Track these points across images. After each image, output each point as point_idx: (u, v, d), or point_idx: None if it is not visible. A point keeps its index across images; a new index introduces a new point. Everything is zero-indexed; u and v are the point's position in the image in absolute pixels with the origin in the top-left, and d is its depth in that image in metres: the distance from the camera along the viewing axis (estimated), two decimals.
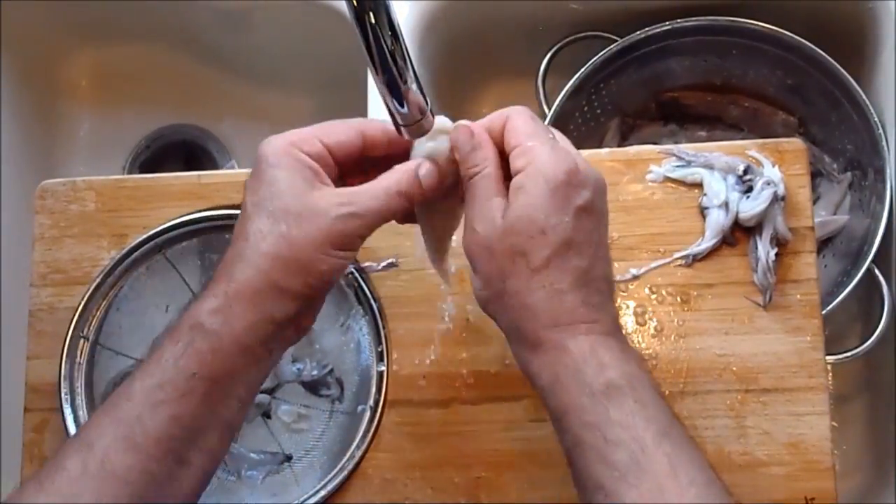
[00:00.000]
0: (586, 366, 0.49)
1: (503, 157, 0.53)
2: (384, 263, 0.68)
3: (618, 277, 0.66)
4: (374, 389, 0.66)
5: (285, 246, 0.50)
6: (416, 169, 0.53)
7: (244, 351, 0.50)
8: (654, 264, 0.66)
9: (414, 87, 0.50)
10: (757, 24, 0.89)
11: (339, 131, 0.53)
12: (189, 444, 0.50)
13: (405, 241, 0.68)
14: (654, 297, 0.66)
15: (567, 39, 0.95)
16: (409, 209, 0.54)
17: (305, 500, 0.64)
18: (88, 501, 0.47)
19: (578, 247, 0.50)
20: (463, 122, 0.54)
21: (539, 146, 0.51)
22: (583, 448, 0.48)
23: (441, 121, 0.54)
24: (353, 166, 0.54)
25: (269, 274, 0.50)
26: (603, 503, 0.47)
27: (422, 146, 0.54)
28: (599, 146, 1.00)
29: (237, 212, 0.68)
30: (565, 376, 0.49)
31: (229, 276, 0.51)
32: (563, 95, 0.92)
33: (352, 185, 0.53)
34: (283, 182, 0.51)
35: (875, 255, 0.84)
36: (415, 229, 0.58)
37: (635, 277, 0.66)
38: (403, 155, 0.54)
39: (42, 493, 0.48)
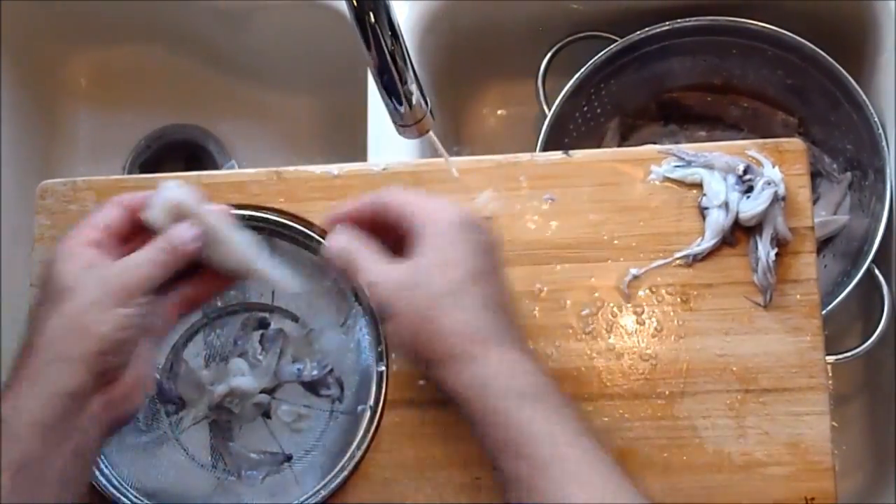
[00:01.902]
0: (505, 374, 0.54)
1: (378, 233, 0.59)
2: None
3: (621, 280, 0.66)
4: (374, 389, 0.66)
5: (64, 317, 0.53)
6: (169, 239, 0.58)
7: (42, 433, 0.51)
8: (654, 264, 0.66)
9: (414, 87, 0.50)
10: (757, 24, 0.89)
11: (101, 214, 0.58)
12: None
13: None
14: (653, 297, 0.66)
15: (567, 39, 0.95)
16: (174, 271, 0.58)
17: (305, 500, 0.64)
18: None
19: (481, 277, 0.56)
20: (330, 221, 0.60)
21: (424, 204, 0.57)
22: (507, 445, 0.53)
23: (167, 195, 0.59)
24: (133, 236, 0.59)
25: (52, 347, 0.52)
26: (520, 495, 0.52)
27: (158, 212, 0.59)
28: (599, 146, 1.00)
29: (237, 212, 0.69)
30: (493, 382, 0.54)
31: (18, 367, 0.53)
32: (563, 95, 0.92)
33: None
34: (65, 270, 0.55)
35: (875, 255, 0.84)
36: None
37: (635, 277, 0.66)
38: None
39: None
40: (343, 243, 0.59)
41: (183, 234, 0.58)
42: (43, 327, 0.53)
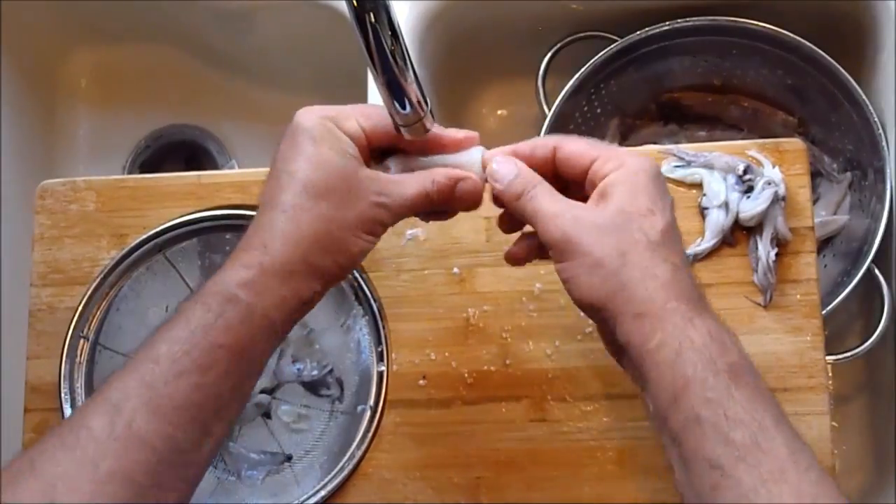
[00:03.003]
0: (712, 343, 0.49)
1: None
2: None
3: None
4: (374, 389, 0.66)
5: (325, 225, 0.50)
6: (449, 182, 0.54)
7: (271, 326, 0.51)
8: None
9: (414, 87, 0.50)
10: (757, 24, 0.89)
11: (376, 116, 0.53)
12: (212, 415, 0.49)
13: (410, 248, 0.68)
14: None
15: (567, 39, 0.95)
16: (431, 209, 0.55)
17: (305, 500, 0.64)
18: (113, 463, 0.46)
19: (677, 232, 0.52)
20: (495, 154, 0.55)
21: (621, 152, 0.53)
22: (700, 424, 0.47)
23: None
24: (384, 147, 0.54)
25: (307, 252, 0.50)
26: (718, 482, 0.46)
27: (456, 158, 0.55)
28: None
29: (237, 212, 0.69)
30: (690, 350, 0.48)
31: (263, 247, 0.50)
32: (563, 95, 0.92)
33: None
34: (324, 158, 0.51)
35: (875, 255, 0.84)
36: None
37: None
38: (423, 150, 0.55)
39: (65, 450, 0.47)
40: (521, 168, 0.54)
41: (471, 184, 0.54)
42: (299, 220, 0.50)
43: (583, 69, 0.92)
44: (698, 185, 0.67)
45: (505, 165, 0.54)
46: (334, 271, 0.52)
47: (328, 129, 0.52)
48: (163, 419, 0.48)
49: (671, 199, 0.53)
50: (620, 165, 0.52)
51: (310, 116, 0.52)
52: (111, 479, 0.46)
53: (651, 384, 0.50)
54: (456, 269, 0.67)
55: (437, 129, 0.54)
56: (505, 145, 0.56)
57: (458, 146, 0.55)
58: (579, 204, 0.52)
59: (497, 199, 0.55)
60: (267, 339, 0.51)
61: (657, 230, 0.51)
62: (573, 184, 0.54)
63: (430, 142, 0.54)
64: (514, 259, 0.57)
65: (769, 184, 0.65)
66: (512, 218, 0.56)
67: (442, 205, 0.54)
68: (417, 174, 0.54)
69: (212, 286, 0.51)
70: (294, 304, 0.51)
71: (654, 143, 0.96)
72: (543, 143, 0.55)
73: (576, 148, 0.54)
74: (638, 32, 0.91)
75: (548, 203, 0.52)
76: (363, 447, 0.65)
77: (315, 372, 0.69)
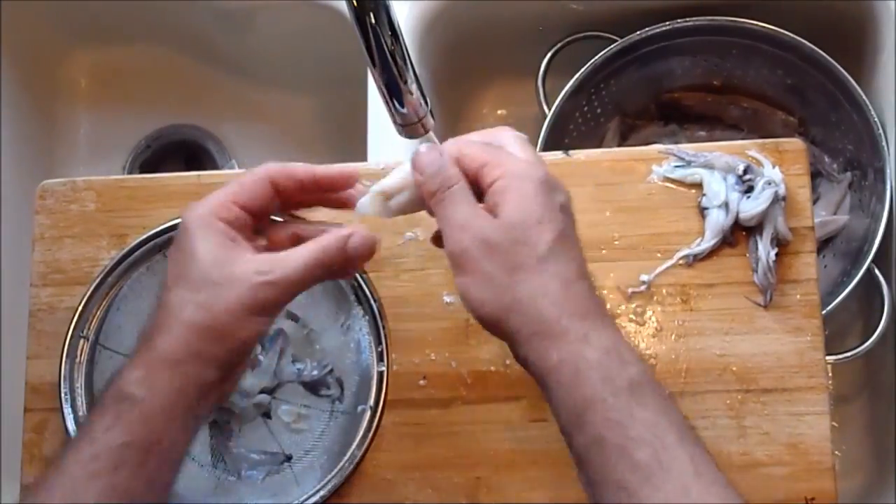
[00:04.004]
0: (609, 360, 0.48)
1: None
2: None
3: (631, 287, 0.66)
4: (374, 389, 0.66)
5: (204, 314, 0.51)
6: (338, 243, 0.53)
7: (172, 418, 0.51)
8: (660, 268, 0.66)
9: (414, 87, 0.50)
10: (757, 24, 0.89)
11: (247, 187, 0.54)
12: None
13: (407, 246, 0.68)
14: (653, 297, 0.66)
15: (567, 39, 0.95)
16: (332, 275, 0.54)
17: (305, 500, 0.64)
18: None
19: (570, 240, 0.51)
20: (420, 148, 0.54)
21: (510, 158, 0.52)
22: (604, 446, 0.47)
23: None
24: (271, 212, 0.55)
25: (190, 343, 0.51)
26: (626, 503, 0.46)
27: (376, 186, 0.55)
28: (599, 146, 1.00)
29: None
30: (588, 370, 0.48)
31: (151, 346, 0.52)
32: (563, 95, 0.92)
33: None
34: (201, 252, 0.52)
35: (875, 255, 0.84)
36: None
37: (644, 283, 0.66)
38: (327, 188, 0.56)
39: None
40: (442, 164, 0.52)
41: (360, 238, 0.53)
42: (180, 314, 0.51)
43: (583, 69, 0.92)
44: (698, 185, 0.67)
45: (428, 155, 0.53)
46: (227, 358, 0.52)
47: (204, 221, 0.52)
48: None
49: (564, 199, 0.52)
50: (504, 174, 0.51)
51: (191, 215, 0.53)
52: None
53: (553, 403, 0.49)
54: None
55: (321, 169, 0.55)
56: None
57: (346, 183, 0.55)
58: (481, 214, 0.51)
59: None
60: (174, 431, 0.52)
61: (546, 242, 0.49)
62: (486, 190, 0.52)
63: (318, 181, 0.55)
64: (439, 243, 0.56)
65: (769, 184, 0.65)
66: None
67: (340, 267, 0.54)
68: (303, 246, 0.53)
69: (107, 392, 0.52)
70: (192, 395, 0.52)
71: (654, 143, 0.96)
72: (452, 148, 0.53)
73: (468, 151, 0.52)
74: (638, 32, 0.91)
75: (454, 211, 0.51)
76: (363, 447, 0.65)
77: (315, 372, 0.69)
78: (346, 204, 0.57)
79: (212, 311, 0.51)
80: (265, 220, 0.55)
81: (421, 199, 0.54)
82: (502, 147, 0.53)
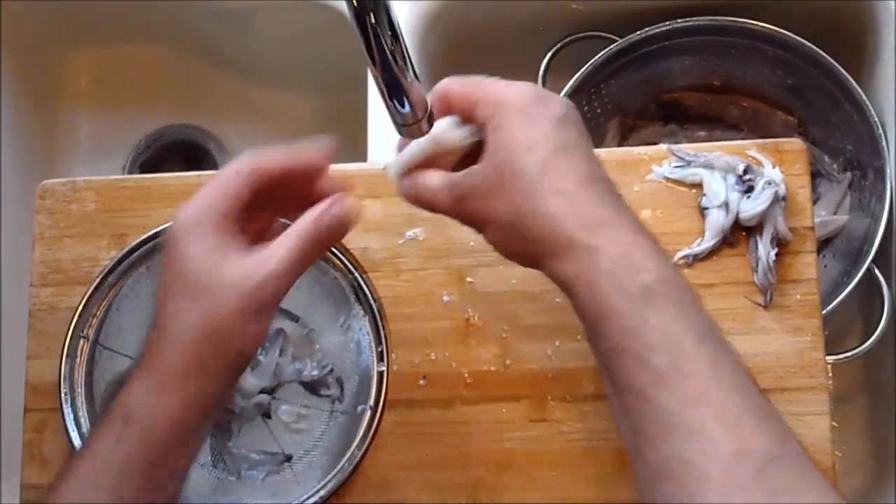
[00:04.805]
0: (621, 268, 0.48)
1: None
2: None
3: None
4: (374, 389, 0.66)
5: (204, 326, 0.50)
6: (317, 223, 0.52)
7: (178, 434, 0.51)
8: None
9: (414, 87, 0.50)
10: (757, 24, 0.89)
11: (225, 189, 0.53)
12: None
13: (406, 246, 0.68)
14: None
15: (567, 39, 0.95)
16: (323, 252, 0.54)
17: (305, 500, 0.64)
18: None
19: (570, 151, 0.50)
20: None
21: (493, 88, 0.52)
22: (621, 354, 0.47)
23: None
24: (261, 201, 0.54)
25: (194, 354, 0.50)
26: (642, 408, 0.46)
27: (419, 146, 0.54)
28: (599, 146, 1.00)
29: None
30: (600, 279, 0.48)
31: (158, 360, 0.51)
32: (563, 95, 0.92)
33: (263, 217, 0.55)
34: (192, 259, 0.51)
35: (875, 255, 0.84)
36: None
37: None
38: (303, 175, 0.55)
39: None
40: (410, 181, 0.54)
41: (337, 212, 0.52)
42: (181, 325, 0.51)
43: (583, 69, 0.92)
44: (698, 185, 0.67)
45: (409, 190, 0.54)
46: (229, 368, 0.52)
47: (188, 229, 0.52)
48: None
49: (558, 110, 0.51)
50: (495, 111, 0.51)
51: (177, 223, 0.52)
52: None
53: (578, 315, 0.50)
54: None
55: (276, 161, 0.54)
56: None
57: (320, 164, 0.55)
58: (466, 172, 0.51)
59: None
60: (179, 445, 0.51)
61: (536, 164, 0.49)
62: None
63: (293, 169, 0.54)
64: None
65: (769, 184, 0.65)
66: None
67: (326, 243, 0.53)
68: (283, 236, 0.52)
69: (114, 406, 0.52)
70: (199, 407, 0.51)
71: (654, 143, 0.96)
72: (435, 94, 0.53)
73: (459, 94, 0.53)
74: (638, 32, 0.91)
75: (432, 182, 0.53)
76: (363, 447, 0.64)
77: (315, 372, 0.69)
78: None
79: (210, 322, 0.50)
80: (252, 209, 0.54)
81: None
82: (480, 83, 0.53)
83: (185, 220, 0.52)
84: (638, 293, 0.47)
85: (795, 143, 0.68)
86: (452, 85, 0.53)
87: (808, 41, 0.88)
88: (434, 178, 0.53)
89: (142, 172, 1.08)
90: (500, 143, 0.50)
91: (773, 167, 0.66)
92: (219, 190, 0.53)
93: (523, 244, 0.51)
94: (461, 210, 0.53)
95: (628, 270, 0.48)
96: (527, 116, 0.50)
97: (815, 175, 0.94)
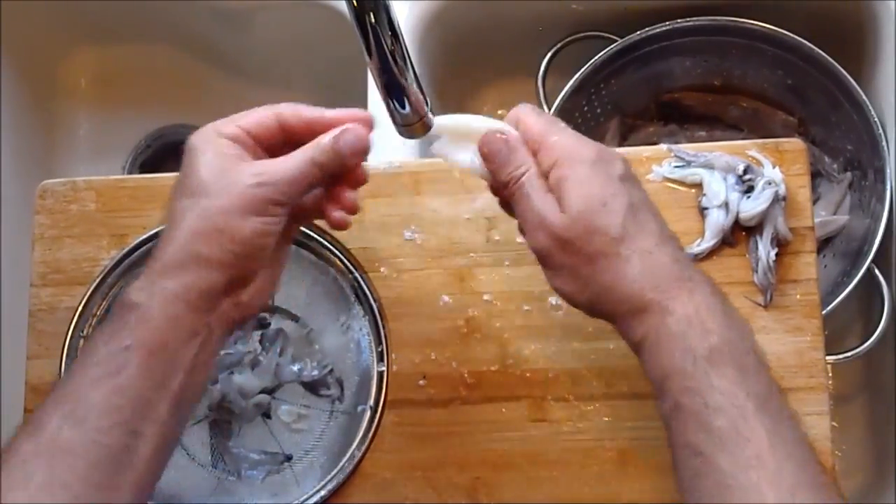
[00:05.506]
0: (690, 329, 0.49)
1: None
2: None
3: None
4: (374, 389, 0.66)
5: (203, 216, 0.52)
6: (331, 141, 0.54)
7: (174, 321, 0.51)
8: None
9: (414, 87, 0.50)
10: (757, 24, 0.89)
11: (254, 115, 0.56)
12: (137, 415, 0.50)
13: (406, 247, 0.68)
14: None
15: (567, 39, 0.95)
16: (326, 178, 0.54)
17: (305, 500, 0.64)
18: (42, 477, 0.47)
19: (641, 209, 0.52)
20: (489, 127, 0.55)
21: (559, 139, 0.53)
22: (682, 413, 0.48)
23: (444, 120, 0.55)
24: (278, 148, 0.55)
25: (190, 245, 0.52)
26: (699, 469, 0.47)
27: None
28: None
29: None
30: (668, 340, 0.49)
31: (155, 257, 0.52)
32: (563, 95, 0.92)
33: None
34: (203, 165, 0.53)
35: (875, 255, 0.84)
36: None
37: None
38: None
39: None
40: (511, 153, 0.54)
41: (353, 135, 0.54)
42: (181, 221, 0.52)
43: (583, 69, 0.92)
44: (698, 185, 0.67)
45: (495, 143, 0.55)
46: (229, 259, 0.52)
47: (208, 137, 0.54)
48: (82, 426, 0.48)
49: (621, 168, 0.52)
50: (559, 157, 0.52)
51: (195, 136, 0.54)
52: (43, 488, 0.47)
53: (645, 373, 0.51)
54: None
55: (331, 112, 0.55)
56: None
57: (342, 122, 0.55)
58: (550, 209, 0.52)
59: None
60: (179, 337, 0.52)
61: (615, 224, 0.51)
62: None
63: (328, 123, 0.55)
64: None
65: (769, 184, 0.65)
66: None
67: (337, 166, 0.54)
68: (299, 149, 0.54)
69: (115, 303, 0.53)
70: (194, 297, 0.52)
71: (654, 143, 0.97)
72: (512, 118, 0.56)
73: (526, 129, 0.54)
74: (638, 32, 0.91)
75: (527, 207, 0.53)
76: (363, 447, 0.65)
77: (315, 372, 0.69)
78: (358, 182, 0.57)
79: (210, 211, 0.52)
80: (270, 152, 0.55)
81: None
82: (549, 128, 0.54)
83: (206, 129, 0.54)
84: (704, 355, 0.48)
85: (795, 143, 0.68)
86: (529, 118, 0.55)
87: (808, 41, 0.88)
88: (543, 193, 0.53)
89: (142, 172, 1.08)
90: (575, 193, 0.51)
91: (773, 167, 0.66)
92: (247, 113, 0.56)
93: (597, 299, 0.52)
94: (540, 245, 0.53)
95: (697, 332, 0.49)
96: (594, 172, 0.52)
97: (815, 175, 0.94)
